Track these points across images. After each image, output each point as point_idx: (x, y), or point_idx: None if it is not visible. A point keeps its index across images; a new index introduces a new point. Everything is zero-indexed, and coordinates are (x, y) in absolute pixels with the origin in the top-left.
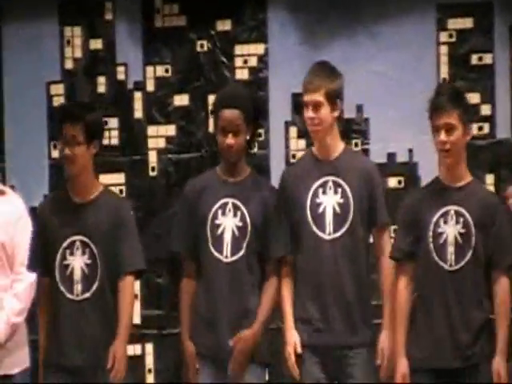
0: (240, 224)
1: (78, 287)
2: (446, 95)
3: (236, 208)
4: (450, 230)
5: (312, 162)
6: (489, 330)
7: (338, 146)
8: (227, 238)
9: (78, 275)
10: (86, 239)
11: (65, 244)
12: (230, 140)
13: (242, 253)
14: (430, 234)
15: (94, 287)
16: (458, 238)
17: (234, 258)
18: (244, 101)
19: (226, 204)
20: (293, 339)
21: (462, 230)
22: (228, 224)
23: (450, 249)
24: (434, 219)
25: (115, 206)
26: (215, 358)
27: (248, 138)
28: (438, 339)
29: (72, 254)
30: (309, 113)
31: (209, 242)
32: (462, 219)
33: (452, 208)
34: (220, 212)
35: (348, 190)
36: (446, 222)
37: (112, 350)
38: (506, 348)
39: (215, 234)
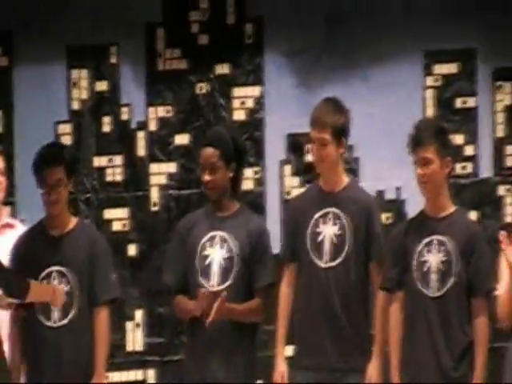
0: (227, 255)
1: (55, 315)
2: (422, 130)
3: (223, 240)
4: (433, 259)
5: (317, 193)
6: (472, 353)
7: (343, 181)
8: (214, 269)
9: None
10: (63, 269)
11: (43, 274)
12: (206, 177)
13: (229, 282)
14: (415, 262)
15: (71, 315)
16: (441, 266)
17: (221, 287)
18: (221, 140)
19: (213, 237)
20: (281, 368)
21: (444, 258)
22: (215, 255)
23: (433, 276)
24: (419, 249)
25: (91, 238)
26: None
27: (231, 175)
28: (423, 362)
29: (49, 283)
30: (315, 149)
31: (198, 273)
32: (443, 248)
33: (435, 237)
34: (208, 244)
35: (345, 222)
36: (429, 251)
37: None
38: (482, 373)
39: (203, 264)
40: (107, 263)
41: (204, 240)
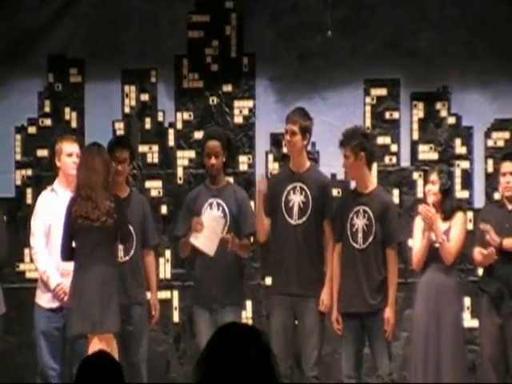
0: (222, 215)
1: (121, 253)
2: (344, 136)
3: (219, 205)
4: (360, 223)
5: (288, 173)
6: (385, 286)
7: (306, 164)
8: None
9: (118, 247)
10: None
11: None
12: (212, 161)
13: (224, 233)
14: (348, 225)
15: (131, 253)
16: (365, 228)
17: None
18: (221, 135)
19: (212, 203)
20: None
21: (367, 222)
22: None
23: (360, 235)
24: (351, 215)
25: (143, 201)
26: (208, 307)
27: (224, 160)
28: (351, 294)
29: None
30: (287, 137)
31: None
32: (366, 215)
33: (361, 208)
34: (208, 208)
35: (309, 193)
36: (357, 217)
37: (151, 301)
38: (394, 301)
39: None
40: (152, 219)
41: (206, 205)
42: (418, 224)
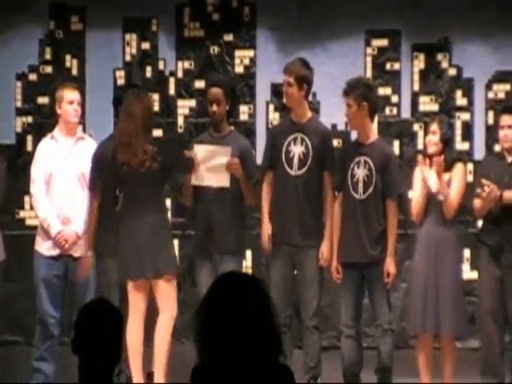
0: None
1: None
2: (347, 85)
3: None
4: (360, 173)
5: (289, 123)
6: (385, 238)
7: (307, 114)
8: None
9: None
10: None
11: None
12: (214, 108)
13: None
14: (349, 175)
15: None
16: (365, 178)
17: None
18: (223, 82)
19: None
20: (266, 231)
21: (368, 173)
22: None
23: (360, 185)
24: (351, 165)
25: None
26: (208, 255)
27: (228, 108)
28: (352, 244)
29: None
30: (283, 88)
31: None
32: (367, 166)
33: (362, 158)
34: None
35: (309, 144)
36: (358, 167)
37: None
38: (393, 252)
39: None
40: None
41: None
42: (418, 175)
